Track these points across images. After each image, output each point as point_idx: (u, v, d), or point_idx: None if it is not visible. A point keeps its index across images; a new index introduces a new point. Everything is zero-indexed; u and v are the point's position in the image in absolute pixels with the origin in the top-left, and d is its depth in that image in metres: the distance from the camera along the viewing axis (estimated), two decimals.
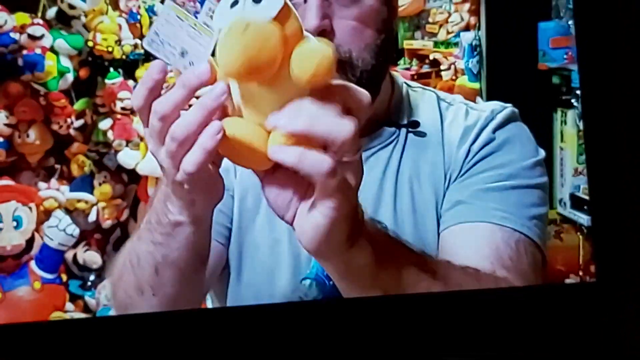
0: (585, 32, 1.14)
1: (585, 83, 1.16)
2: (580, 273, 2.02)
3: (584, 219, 2.05)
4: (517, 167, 0.97)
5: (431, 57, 2.67)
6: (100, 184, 2.14)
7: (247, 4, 0.63)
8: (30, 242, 2.00)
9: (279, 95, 0.65)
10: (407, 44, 2.78)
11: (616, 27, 1.11)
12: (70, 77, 2.06)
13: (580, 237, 2.08)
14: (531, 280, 0.90)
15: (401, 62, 2.77)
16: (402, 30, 2.75)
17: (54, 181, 2.09)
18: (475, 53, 2.36)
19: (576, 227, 2.11)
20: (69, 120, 2.09)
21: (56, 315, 1.99)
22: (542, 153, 1.02)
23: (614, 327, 1.08)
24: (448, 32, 2.58)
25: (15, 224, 1.96)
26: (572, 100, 2.12)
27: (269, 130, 0.65)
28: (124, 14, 2.17)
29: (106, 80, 2.10)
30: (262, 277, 1.01)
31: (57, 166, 2.12)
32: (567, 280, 1.95)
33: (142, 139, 2.06)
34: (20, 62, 1.99)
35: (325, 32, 0.91)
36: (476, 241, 0.87)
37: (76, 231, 2.04)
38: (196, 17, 0.69)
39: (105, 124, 2.10)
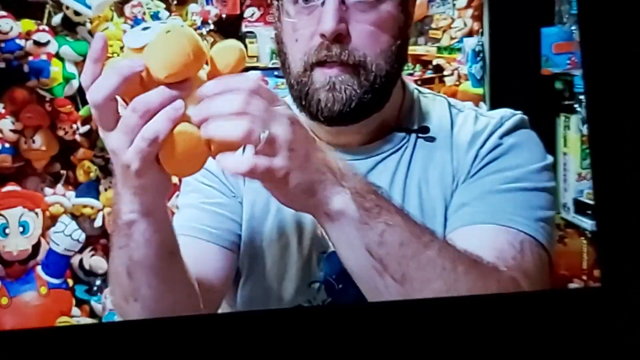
0: (589, 37, 1.14)
1: (590, 88, 1.16)
2: (584, 278, 2.01)
3: (587, 223, 2.05)
4: (524, 171, 0.97)
5: (434, 63, 2.67)
6: (106, 190, 2.15)
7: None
8: (36, 247, 2.01)
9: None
10: (410, 50, 2.77)
11: (619, 32, 1.12)
12: (75, 83, 2.08)
13: (584, 241, 2.08)
14: (536, 280, 0.90)
15: (405, 67, 2.77)
16: None
17: (60, 187, 2.09)
18: (478, 58, 2.37)
19: (580, 232, 2.11)
20: (74, 126, 2.11)
21: (62, 320, 2.00)
22: (550, 158, 1.01)
23: (618, 332, 1.08)
24: (451, 38, 2.58)
25: (21, 229, 1.96)
26: (575, 106, 2.12)
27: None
28: (129, 21, 2.19)
29: None
30: (271, 281, 1.02)
31: (63, 172, 2.14)
32: (571, 285, 1.95)
33: None
34: (26, 68, 2.00)
35: (341, 36, 0.92)
36: (480, 243, 0.86)
37: (82, 236, 2.04)
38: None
39: None
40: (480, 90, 2.37)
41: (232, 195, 1.04)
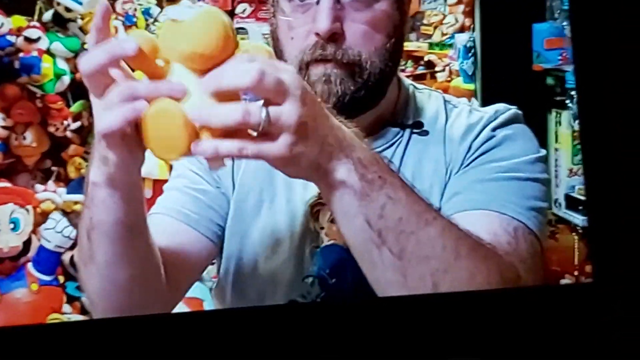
0: (581, 33, 1.15)
1: (581, 84, 1.16)
2: (576, 273, 2.02)
3: (579, 219, 2.06)
4: (517, 162, 0.97)
5: (426, 59, 2.68)
6: None
7: None
8: (27, 244, 2.00)
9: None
10: None
11: (611, 28, 1.12)
12: (66, 79, 2.06)
13: (576, 237, 2.09)
14: (532, 267, 0.89)
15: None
16: None
17: (50, 183, 2.08)
18: (470, 54, 2.37)
19: (571, 227, 2.11)
20: (65, 122, 2.10)
21: (53, 317, 1.99)
22: (543, 152, 1.02)
23: (609, 327, 1.08)
24: (443, 34, 2.58)
25: (12, 226, 1.96)
26: (567, 101, 2.13)
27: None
28: (120, 17, 2.18)
29: None
30: (264, 276, 1.02)
31: (54, 168, 2.12)
32: (563, 281, 1.96)
33: None
34: (16, 64, 1.99)
35: (335, 35, 0.92)
36: (474, 228, 0.85)
37: (73, 233, 2.03)
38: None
39: None
40: (471, 86, 2.37)
41: (217, 186, 1.04)
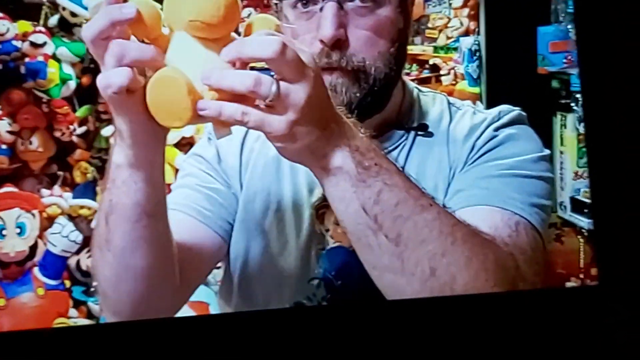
0: (585, 36, 1.15)
1: (586, 87, 1.17)
2: (581, 276, 2.01)
3: (584, 222, 2.05)
4: (520, 160, 0.98)
5: (431, 62, 2.67)
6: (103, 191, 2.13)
7: None
8: (33, 248, 2.01)
9: (215, 54, 0.72)
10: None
11: (615, 31, 1.12)
12: (72, 84, 2.07)
13: (581, 240, 2.08)
14: (532, 260, 0.89)
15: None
16: None
17: (56, 188, 2.09)
18: (474, 58, 2.37)
19: (576, 230, 2.11)
20: (71, 127, 2.10)
21: (60, 321, 2.00)
22: (546, 151, 1.02)
23: (615, 330, 1.08)
24: (448, 37, 2.58)
25: (18, 230, 1.96)
26: (572, 104, 2.12)
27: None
28: None
29: None
30: (269, 278, 1.02)
31: (60, 173, 2.13)
32: (568, 284, 1.95)
33: None
34: (22, 69, 2.00)
35: (339, 41, 0.93)
36: (475, 222, 0.85)
37: (79, 237, 2.04)
38: None
39: (107, 130, 2.10)
40: (477, 90, 2.37)
41: (227, 185, 1.05)
